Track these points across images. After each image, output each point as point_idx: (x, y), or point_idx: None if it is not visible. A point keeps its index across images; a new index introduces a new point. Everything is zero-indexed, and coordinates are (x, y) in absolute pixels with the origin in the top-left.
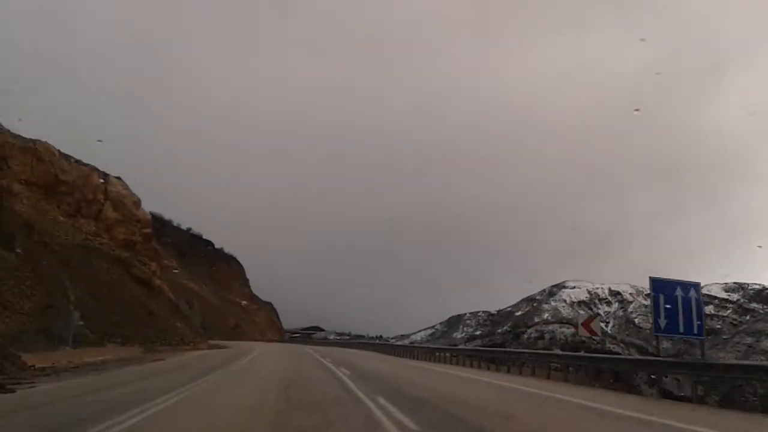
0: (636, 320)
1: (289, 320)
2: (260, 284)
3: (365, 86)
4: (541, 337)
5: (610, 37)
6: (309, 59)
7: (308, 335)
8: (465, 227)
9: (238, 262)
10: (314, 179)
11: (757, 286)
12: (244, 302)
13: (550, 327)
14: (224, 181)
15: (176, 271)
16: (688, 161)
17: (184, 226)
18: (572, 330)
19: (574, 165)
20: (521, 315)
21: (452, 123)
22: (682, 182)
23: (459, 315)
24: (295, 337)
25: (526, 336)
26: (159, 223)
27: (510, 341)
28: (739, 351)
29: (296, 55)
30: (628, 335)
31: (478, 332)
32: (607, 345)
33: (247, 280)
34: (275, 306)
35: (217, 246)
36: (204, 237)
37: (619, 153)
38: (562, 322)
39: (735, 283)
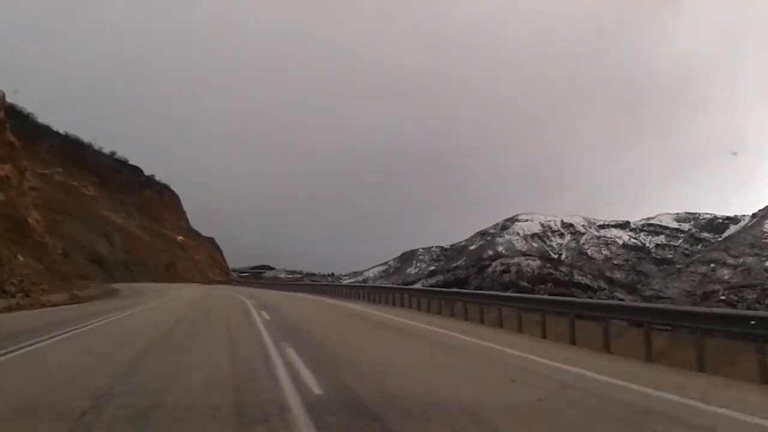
0: (588, 251)
1: (237, 259)
2: (201, 220)
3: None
4: (507, 270)
5: None
6: None
7: (257, 275)
8: (417, 163)
9: (173, 192)
10: (261, 107)
11: (708, 216)
12: (179, 238)
13: (516, 259)
14: (161, 109)
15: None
16: (639, 91)
17: (107, 150)
18: (539, 262)
19: (526, 97)
20: (475, 249)
21: (402, 57)
22: (633, 112)
23: (412, 250)
24: (244, 276)
25: (491, 269)
26: (74, 145)
27: (473, 275)
28: (693, 281)
29: None
30: (581, 266)
31: (432, 267)
32: (576, 277)
33: (184, 212)
34: (219, 243)
35: (147, 174)
36: (130, 163)
37: (572, 84)
38: (527, 255)
39: (686, 213)
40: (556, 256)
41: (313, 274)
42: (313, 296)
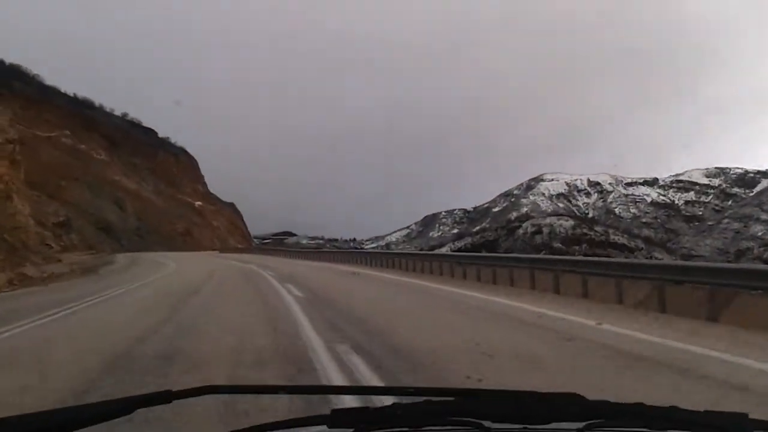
0: (616, 210)
1: (258, 225)
2: (221, 186)
3: None
4: (539, 231)
5: None
6: None
7: (279, 241)
8: (437, 127)
9: (190, 155)
10: (281, 75)
11: (739, 170)
12: (197, 203)
13: (548, 220)
14: (181, 75)
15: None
16: (665, 48)
17: (118, 112)
18: (572, 222)
19: (550, 56)
20: (499, 210)
21: (422, 20)
22: (659, 69)
23: (434, 214)
24: (266, 243)
25: (521, 231)
26: (83, 107)
27: (503, 237)
28: (726, 237)
29: None
30: (609, 225)
31: (455, 230)
32: (611, 237)
33: (202, 176)
34: (239, 209)
35: (161, 135)
36: (144, 125)
37: (597, 42)
38: (559, 215)
39: (716, 168)
40: (583, 216)
41: (335, 240)
42: (338, 265)
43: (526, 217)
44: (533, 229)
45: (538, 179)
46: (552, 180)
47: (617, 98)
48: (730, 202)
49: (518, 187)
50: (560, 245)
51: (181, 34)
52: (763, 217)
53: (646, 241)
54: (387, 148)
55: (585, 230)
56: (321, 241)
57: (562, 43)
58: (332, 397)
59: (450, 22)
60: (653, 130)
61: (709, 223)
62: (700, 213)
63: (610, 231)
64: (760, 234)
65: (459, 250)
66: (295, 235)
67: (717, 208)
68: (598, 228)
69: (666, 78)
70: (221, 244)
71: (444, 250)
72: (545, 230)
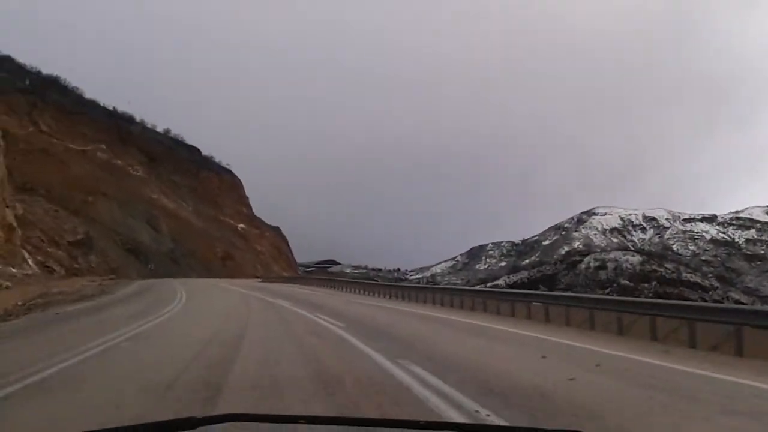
0: (674, 246)
1: (302, 253)
2: (265, 211)
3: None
4: (603, 267)
5: None
6: None
7: (323, 269)
8: (485, 155)
9: (234, 176)
10: (330, 106)
11: None
12: (240, 225)
13: (612, 255)
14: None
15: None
16: (722, 82)
17: (160, 129)
18: (639, 258)
19: (603, 87)
20: (549, 244)
21: (470, 50)
22: (716, 103)
23: (481, 246)
24: (310, 271)
25: (583, 265)
26: (121, 120)
27: (563, 272)
28: None
29: None
30: (679, 262)
31: (502, 263)
32: (683, 274)
33: (246, 197)
34: (285, 233)
35: (205, 154)
36: (187, 143)
37: (653, 74)
38: (624, 249)
39: None
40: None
41: (379, 270)
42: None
43: (587, 251)
44: (596, 264)
45: (590, 213)
46: (605, 214)
47: (673, 131)
48: None
49: (569, 221)
50: (628, 282)
51: (235, 57)
52: None
53: (720, 280)
54: (434, 176)
55: (654, 266)
56: (364, 270)
57: (613, 71)
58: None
59: (503, 48)
60: (710, 165)
61: None
62: (762, 252)
63: (681, 268)
64: None
65: (514, 284)
66: (338, 263)
67: None
68: (668, 265)
69: (724, 113)
70: (264, 270)
71: (499, 284)
72: (610, 265)
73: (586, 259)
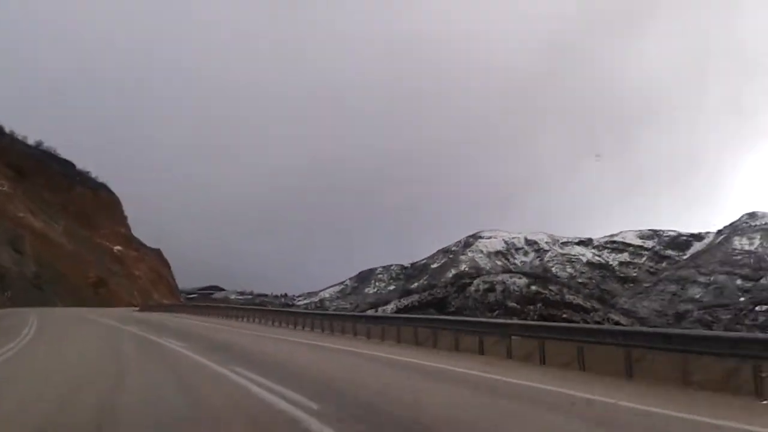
0: (553, 269)
1: (184, 279)
2: (145, 234)
3: (271, 36)
4: (491, 289)
5: None
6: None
7: (207, 295)
8: (372, 181)
9: (111, 192)
10: (212, 123)
11: (672, 233)
12: (117, 247)
13: (500, 277)
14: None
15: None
16: (600, 110)
17: (32, 140)
18: (525, 280)
19: (487, 115)
20: (438, 267)
21: (363, 75)
22: (594, 130)
23: (370, 269)
24: (192, 298)
25: (473, 288)
26: None
27: (452, 294)
28: (663, 299)
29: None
30: (563, 284)
31: (391, 287)
32: (566, 296)
33: (125, 217)
34: (166, 256)
35: (80, 168)
36: (60, 156)
37: (534, 102)
38: (511, 272)
39: (649, 230)
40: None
41: (265, 295)
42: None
43: (476, 273)
44: (485, 287)
45: (476, 236)
46: (490, 237)
47: (554, 158)
48: (664, 264)
49: (456, 244)
50: (515, 304)
51: (115, 72)
52: (700, 279)
53: (600, 302)
54: (321, 200)
55: (540, 288)
56: (250, 296)
57: (498, 98)
58: None
59: (395, 76)
60: (588, 190)
61: (646, 284)
62: (635, 274)
63: (565, 290)
64: (697, 296)
65: (405, 307)
66: (222, 289)
67: (651, 269)
68: (552, 287)
69: (601, 140)
70: (143, 297)
71: (389, 308)
72: (498, 288)
73: (475, 282)
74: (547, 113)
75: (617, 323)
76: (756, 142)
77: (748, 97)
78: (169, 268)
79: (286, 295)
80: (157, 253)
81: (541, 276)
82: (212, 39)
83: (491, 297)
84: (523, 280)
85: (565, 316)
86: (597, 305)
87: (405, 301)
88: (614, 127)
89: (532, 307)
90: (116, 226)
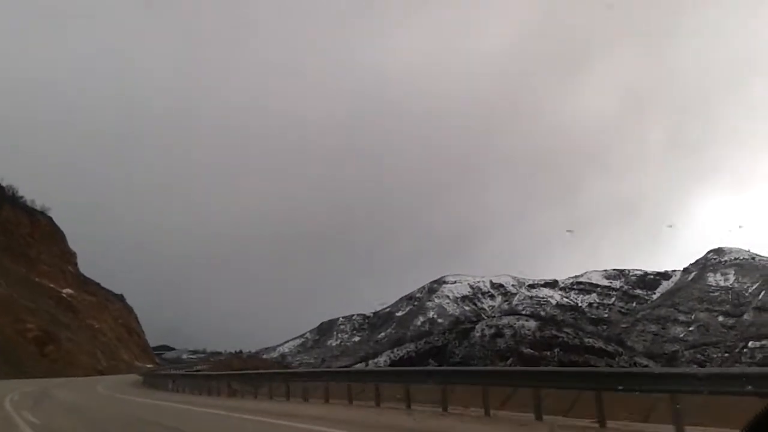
0: (524, 312)
1: None
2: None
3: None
4: (499, 334)
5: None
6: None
7: (157, 355)
8: (330, 231)
9: (52, 222)
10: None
11: (639, 272)
12: (66, 290)
13: (505, 320)
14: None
15: None
16: (549, 154)
17: None
18: (536, 323)
19: (440, 161)
20: (403, 315)
21: (311, 124)
22: (545, 173)
23: (331, 320)
24: (167, 359)
25: (477, 333)
26: None
27: (453, 341)
28: (645, 340)
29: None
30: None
31: (355, 338)
32: (586, 339)
33: (72, 254)
34: (129, 302)
35: (10, 192)
36: None
37: (486, 147)
38: (519, 314)
39: (614, 269)
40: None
41: (219, 353)
42: None
43: (475, 318)
44: (491, 331)
45: (440, 281)
46: (455, 282)
47: (510, 201)
48: (634, 304)
49: (420, 290)
50: (530, 350)
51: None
52: (681, 318)
53: (623, 346)
54: (274, 252)
55: (554, 331)
56: (203, 355)
57: (455, 149)
58: None
59: (349, 122)
60: (546, 231)
61: (623, 324)
62: (606, 315)
63: (581, 333)
64: (681, 335)
65: (401, 359)
66: (173, 348)
67: (623, 310)
68: (567, 329)
69: (552, 182)
70: (108, 359)
71: (381, 360)
72: (507, 332)
73: (478, 326)
74: (500, 159)
75: (646, 366)
76: (704, 176)
77: (689, 133)
78: (137, 319)
79: (241, 351)
80: (120, 299)
81: (547, 318)
82: (176, 85)
83: (500, 342)
84: (533, 323)
85: (590, 362)
86: (619, 348)
87: (399, 352)
88: (564, 171)
89: (547, 352)
90: (62, 264)
